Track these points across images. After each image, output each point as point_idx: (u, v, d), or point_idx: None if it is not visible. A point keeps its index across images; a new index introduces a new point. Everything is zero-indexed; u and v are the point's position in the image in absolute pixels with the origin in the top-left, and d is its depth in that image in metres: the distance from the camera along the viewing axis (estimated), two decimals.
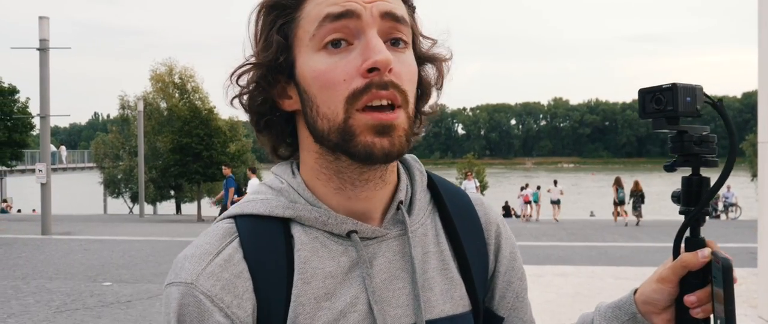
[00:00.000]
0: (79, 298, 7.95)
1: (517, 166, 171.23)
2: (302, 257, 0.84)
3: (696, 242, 0.85)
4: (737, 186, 32.90)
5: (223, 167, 14.28)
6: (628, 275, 9.01)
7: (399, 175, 0.93)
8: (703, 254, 0.84)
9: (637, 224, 20.57)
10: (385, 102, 0.79)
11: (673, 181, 0.90)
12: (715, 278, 0.82)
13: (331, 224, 0.85)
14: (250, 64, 0.85)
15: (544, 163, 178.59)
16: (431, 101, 0.92)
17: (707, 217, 0.87)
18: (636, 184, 22.04)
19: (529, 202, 26.70)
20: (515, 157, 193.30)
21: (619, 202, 22.10)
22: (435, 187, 0.98)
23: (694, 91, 0.84)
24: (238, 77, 0.87)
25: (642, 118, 0.87)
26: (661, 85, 0.84)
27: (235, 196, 13.64)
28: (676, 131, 0.85)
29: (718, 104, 0.86)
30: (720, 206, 30.14)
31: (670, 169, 0.87)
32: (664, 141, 0.90)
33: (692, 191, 0.86)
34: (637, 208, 21.59)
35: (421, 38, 0.90)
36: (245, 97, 0.87)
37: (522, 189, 28.43)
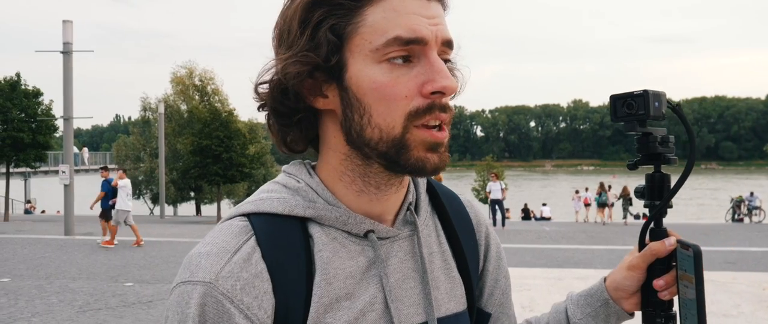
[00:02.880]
0: (101, 298, 8.05)
1: (537, 168, 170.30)
2: (324, 258, 0.84)
3: (660, 232, 0.95)
4: (762, 190, 32.36)
5: (101, 171, 14.39)
6: None
7: None
8: (670, 242, 0.93)
9: (625, 224, 23.22)
10: (437, 122, 0.82)
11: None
12: (680, 264, 0.91)
13: (351, 224, 0.86)
14: (299, 60, 0.81)
15: (563, 165, 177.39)
16: None
17: (668, 211, 0.96)
18: (624, 189, 25.28)
19: (588, 205, 28.07)
20: (534, 160, 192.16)
21: (602, 205, 24.94)
22: (432, 189, 1.01)
23: (660, 97, 0.93)
24: (284, 69, 0.82)
25: (613, 121, 0.95)
26: (632, 92, 0.93)
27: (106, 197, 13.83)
28: (642, 133, 0.94)
29: (677, 108, 0.95)
30: (743, 210, 29.73)
31: (633, 167, 0.96)
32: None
33: (655, 187, 0.95)
34: (625, 210, 24.66)
35: None
36: (275, 87, 0.84)
37: (577, 192, 29.78)
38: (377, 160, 0.83)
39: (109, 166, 15.34)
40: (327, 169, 0.89)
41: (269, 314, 0.80)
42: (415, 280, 0.90)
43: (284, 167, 0.94)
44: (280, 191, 0.88)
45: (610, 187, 27.91)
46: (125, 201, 13.57)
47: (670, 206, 0.95)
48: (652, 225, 0.96)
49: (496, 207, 19.75)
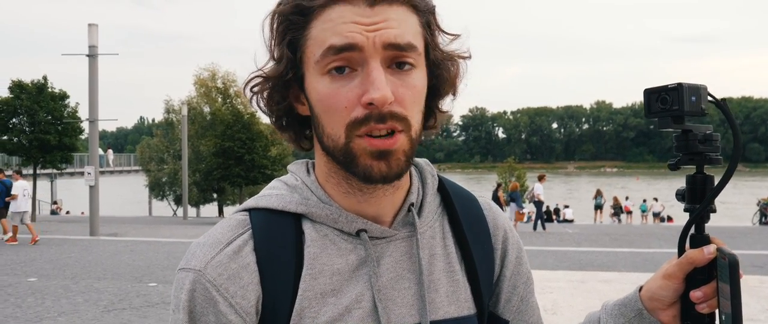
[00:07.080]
0: (125, 298, 8.15)
1: (559, 170, 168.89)
2: (312, 253, 0.87)
3: (701, 239, 0.86)
4: None
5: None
6: None
7: (411, 178, 0.95)
8: (709, 250, 0.85)
9: (613, 222, 26.93)
10: (384, 131, 0.81)
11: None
12: (720, 274, 0.83)
13: (342, 222, 0.88)
14: (262, 77, 0.88)
15: (586, 167, 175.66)
16: (448, 99, 0.94)
17: (711, 215, 0.89)
18: (614, 199, 30.26)
19: (630, 212, 31.43)
20: (557, 161, 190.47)
21: (597, 207, 28.85)
22: (445, 190, 1.00)
23: (699, 90, 0.85)
24: (252, 84, 0.90)
25: (647, 117, 0.88)
26: (666, 85, 0.85)
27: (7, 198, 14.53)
28: (681, 130, 0.86)
29: (722, 103, 0.86)
30: None
31: (674, 167, 0.88)
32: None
33: (696, 189, 0.87)
34: (615, 207, 29.21)
35: (439, 37, 0.89)
36: (263, 100, 0.90)
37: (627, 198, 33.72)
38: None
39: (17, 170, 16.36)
40: (319, 170, 0.92)
41: (253, 304, 0.85)
42: (410, 281, 0.90)
43: (289, 166, 0.98)
44: (280, 188, 0.94)
45: (656, 199, 31.44)
46: (21, 202, 14.29)
47: (713, 210, 0.87)
48: (692, 230, 0.87)
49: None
